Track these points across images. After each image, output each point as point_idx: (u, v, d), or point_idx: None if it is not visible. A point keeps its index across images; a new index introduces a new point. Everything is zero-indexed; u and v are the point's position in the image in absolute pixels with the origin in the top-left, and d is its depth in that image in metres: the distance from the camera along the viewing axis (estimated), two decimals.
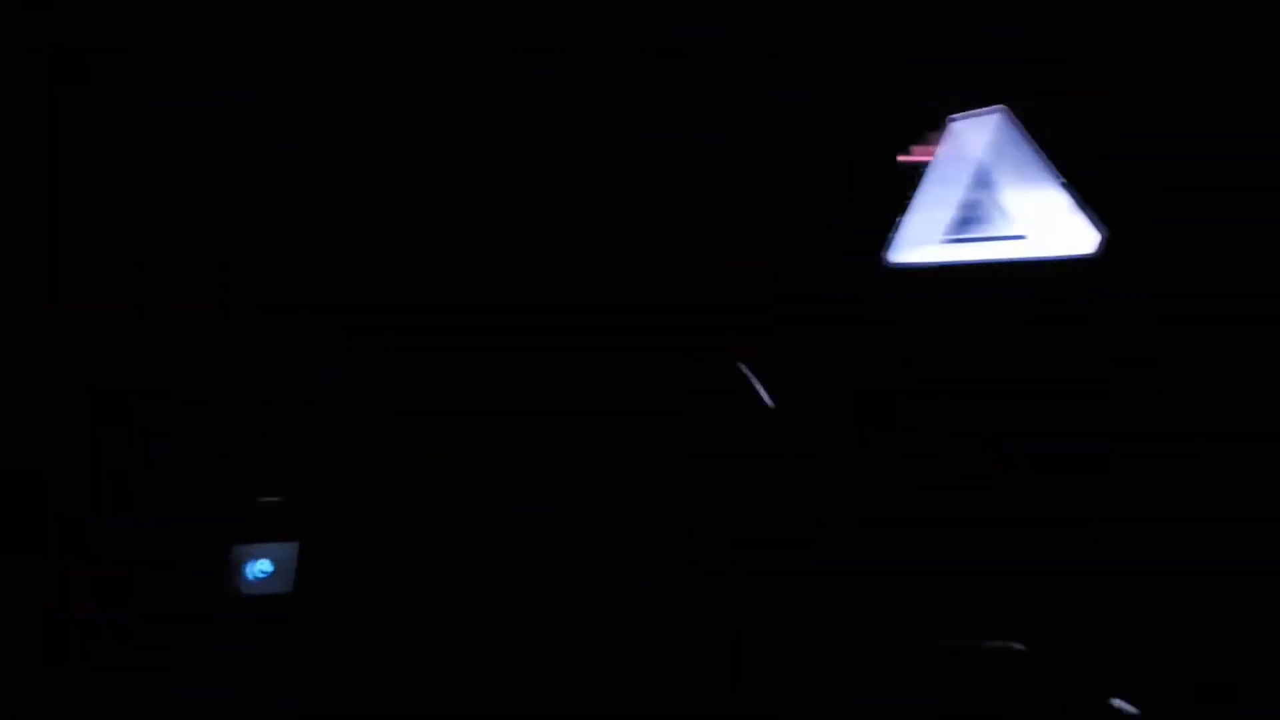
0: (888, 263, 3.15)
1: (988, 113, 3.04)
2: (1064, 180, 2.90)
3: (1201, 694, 2.65)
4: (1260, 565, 2.59)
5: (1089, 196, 2.88)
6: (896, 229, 3.15)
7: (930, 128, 3.14)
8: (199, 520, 2.90)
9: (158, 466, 2.91)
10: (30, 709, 2.69)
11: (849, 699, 2.81)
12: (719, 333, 3.17)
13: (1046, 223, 2.94)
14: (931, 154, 3.14)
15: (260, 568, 2.89)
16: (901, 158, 3.15)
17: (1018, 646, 2.79)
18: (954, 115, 3.10)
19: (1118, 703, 2.67)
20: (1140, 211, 2.77)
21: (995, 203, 3.04)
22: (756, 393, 3.12)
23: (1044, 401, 2.91)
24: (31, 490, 2.85)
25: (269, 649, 2.84)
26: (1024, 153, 2.98)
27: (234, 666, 2.80)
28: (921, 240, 3.14)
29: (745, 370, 3.12)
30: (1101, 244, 2.83)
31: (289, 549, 2.91)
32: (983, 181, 3.06)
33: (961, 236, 3.08)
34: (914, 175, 3.14)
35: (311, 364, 3.04)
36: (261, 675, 2.81)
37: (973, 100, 3.05)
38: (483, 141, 3.09)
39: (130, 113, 2.94)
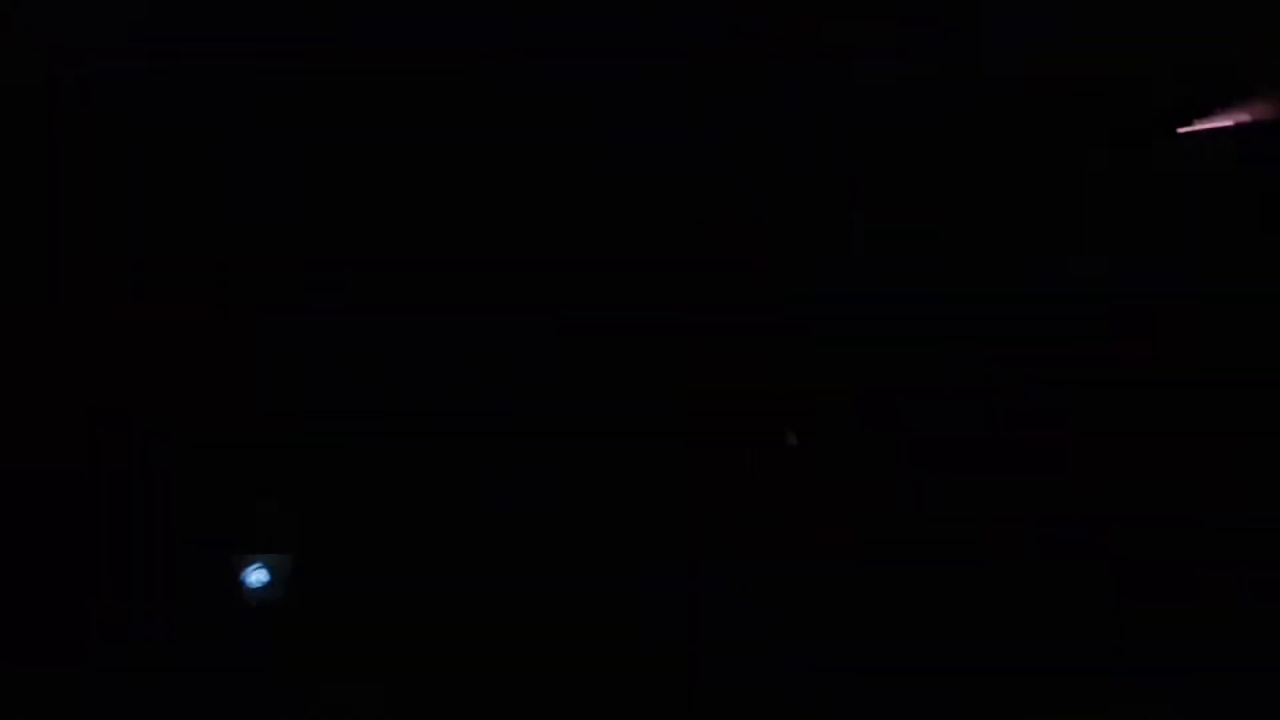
0: None
1: None
2: None
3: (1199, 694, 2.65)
4: None
5: None
6: None
7: None
8: (198, 522, 2.91)
9: (157, 468, 2.91)
10: (30, 709, 2.69)
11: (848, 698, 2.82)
12: (720, 333, 3.17)
13: None
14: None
15: (259, 576, 2.89)
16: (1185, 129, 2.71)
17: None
18: None
19: None
20: None
21: None
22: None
23: None
24: (32, 490, 2.86)
25: (265, 653, 2.85)
26: None
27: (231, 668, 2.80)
28: None
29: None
30: None
31: (284, 559, 2.91)
32: None
33: None
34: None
35: (310, 365, 3.04)
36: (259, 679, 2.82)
37: (974, 98, 3.05)
38: (483, 142, 3.09)
39: (130, 112, 2.94)
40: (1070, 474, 2.91)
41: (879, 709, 2.81)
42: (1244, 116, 2.79)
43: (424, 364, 3.08)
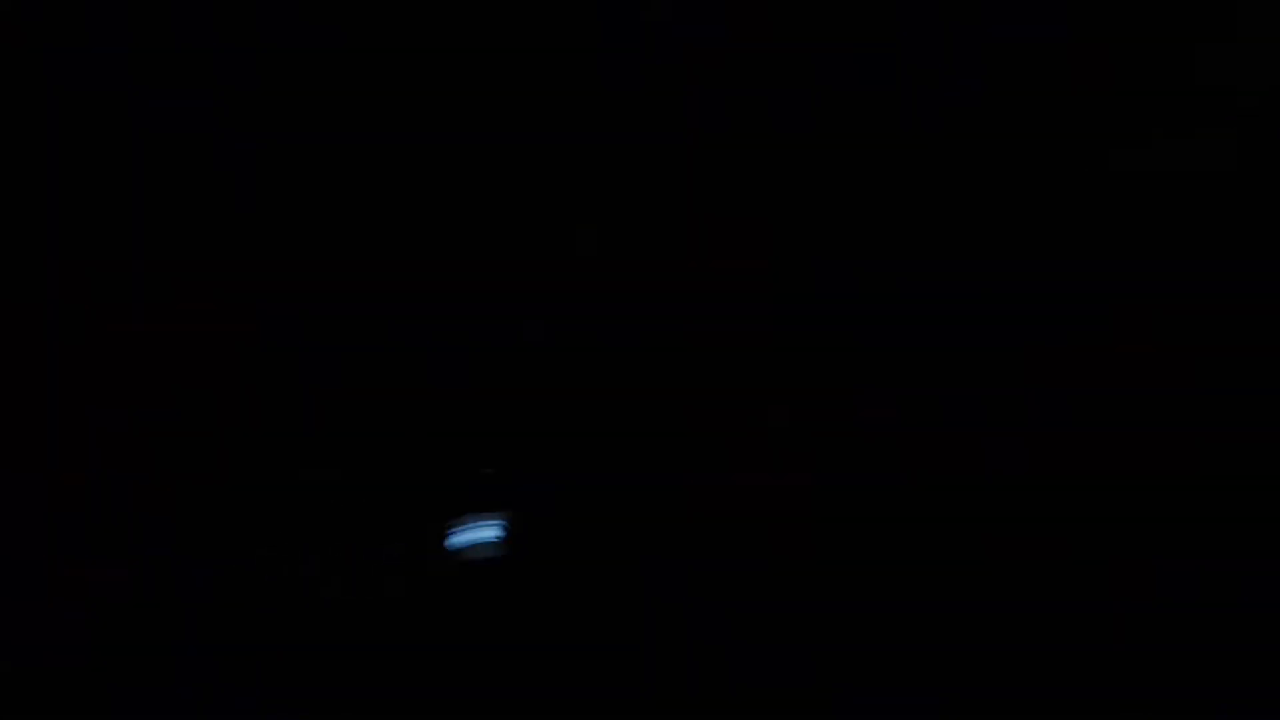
0: None
1: None
2: None
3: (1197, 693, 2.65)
4: None
5: None
6: None
7: None
8: (203, 521, 2.91)
9: (159, 466, 2.91)
10: (30, 708, 2.70)
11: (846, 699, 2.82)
12: (717, 332, 3.17)
13: None
14: None
15: (473, 537, 2.89)
16: None
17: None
18: None
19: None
20: None
21: None
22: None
23: None
24: (33, 490, 2.86)
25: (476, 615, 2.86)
26: None
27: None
28: None
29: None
30: None
31: (502, 519, 2.92)
32: None
33: None
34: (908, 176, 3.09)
35: (311, 366, 3.05)
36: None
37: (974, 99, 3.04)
38: (483, 141, 3.09)
39: (130, 113, 2.94)
40: (1069, 475, 2.91)
41: (877, 708, 2.81)
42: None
43: (418, 364, 3.08)
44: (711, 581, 2.99)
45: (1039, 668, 2.79)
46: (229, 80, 2.96)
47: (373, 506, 3.02)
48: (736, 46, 3.05)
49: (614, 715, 2.85)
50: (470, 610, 2.89)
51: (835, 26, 3.03)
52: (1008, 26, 2.93)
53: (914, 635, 2.87)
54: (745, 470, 3.08)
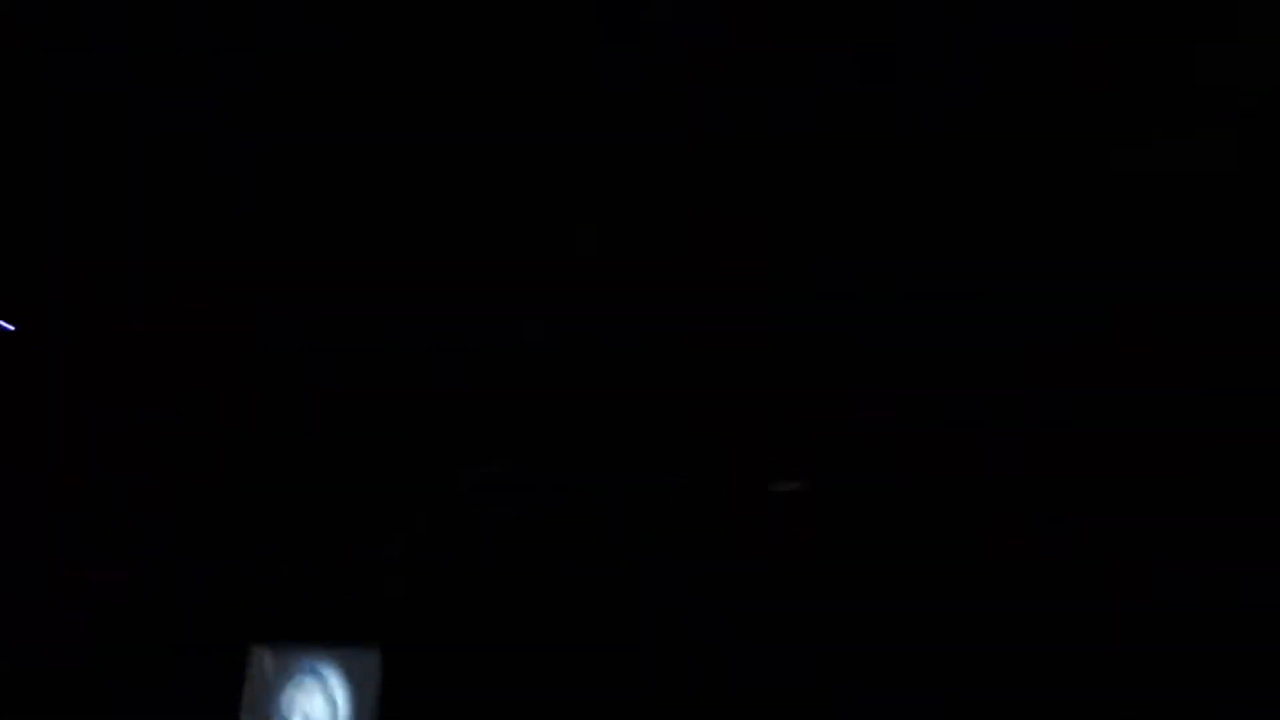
0: None
1: None
2: None
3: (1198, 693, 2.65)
4: None
5: None
6: None
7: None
8: (203, 521, 2.91)
9: (159, 466, 2.91)
10: (30, 708, 2.69)
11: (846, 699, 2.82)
12: (718, 332, 3.17)
13: None
14: None
15: None
16: None
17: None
18: None
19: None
20: None
21: None
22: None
23: None
24: (33, 490, 2.85)
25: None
26: None
27: None
28: None
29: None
30: None
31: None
32: None
33: None
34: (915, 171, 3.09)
35: (309, 364, 3.04)
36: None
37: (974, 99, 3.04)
38: (483, 141, 3.09)
39: (130, 113, 2.94)
40: (1069, 475, 2.91)
41: (876, 709, 2.81)
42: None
43: (418, 365, 3.08)
44: (711, 581, 2.99)
45: (1039, 667, 2.79)
46: (229, 80, 2.96)
47: (373, 506, 3.02)
48: (736, 46, 3.05)
49: (614, 715, 2.85)
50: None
51: (835, 26, 3.02)
52: (1008, 26, 2.92)
53: (914, 635, 2.87)
54: (745, 470, 3.08)
